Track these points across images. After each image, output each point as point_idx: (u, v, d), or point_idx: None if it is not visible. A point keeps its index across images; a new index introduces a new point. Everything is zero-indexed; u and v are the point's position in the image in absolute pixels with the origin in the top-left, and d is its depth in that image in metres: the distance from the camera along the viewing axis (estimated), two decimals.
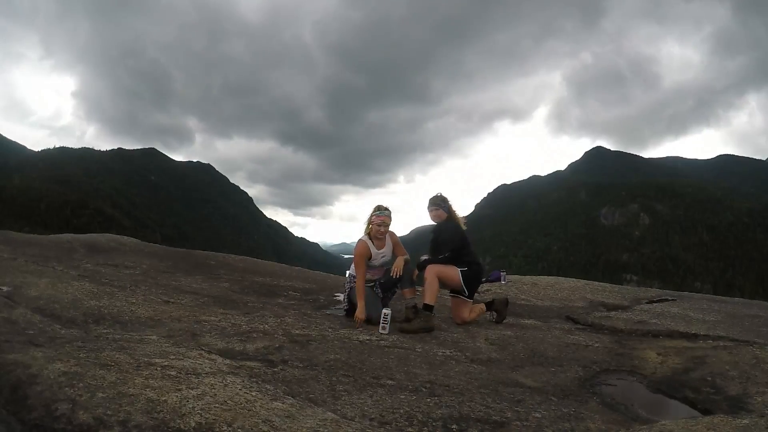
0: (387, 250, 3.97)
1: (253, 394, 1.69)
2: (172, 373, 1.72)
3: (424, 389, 2.24)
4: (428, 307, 3.79)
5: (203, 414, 1.40)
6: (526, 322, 4.58)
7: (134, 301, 3.52)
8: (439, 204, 4.13)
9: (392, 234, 3.99)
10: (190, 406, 1.44)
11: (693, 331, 3.95)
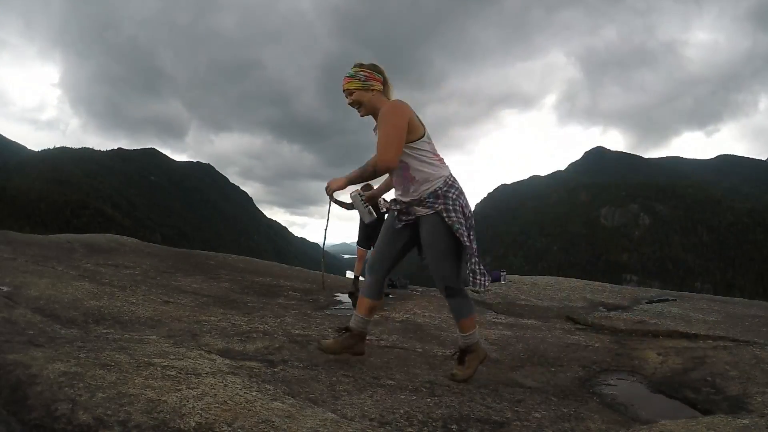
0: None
1: (253, 394, 1.69)
2: (172, 373, 1.72)
3: (424, 389, 2.24)
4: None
5: (203, 414, 1.40)
6: (526, 322, 4.58)
7: (134, 301, 3.52)
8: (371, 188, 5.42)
9: (384, 105, 2.38)
10: (190, 406, 1.44)
11: (693, 331, 3.95)
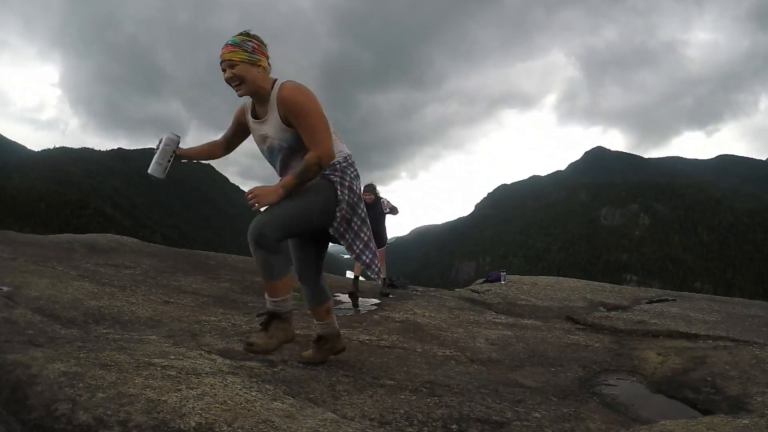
0: (272, 125, 2.11)
1: (253, 394, 1.69)
2: (172, 373, 1.72)
3: (424, 389, 2.24)
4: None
5: (203, 414, 1.40)
6: (526, 322, 4.58)
7: (134, 301, 3.52)
8: (372, 189, 6.16)
9: (287, 90, 2.04)
10: (190, 406, 1.44)
11: (693, 331, 3.95)
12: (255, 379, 1.95)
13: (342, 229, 2.16)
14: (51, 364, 1.62)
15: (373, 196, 6.11)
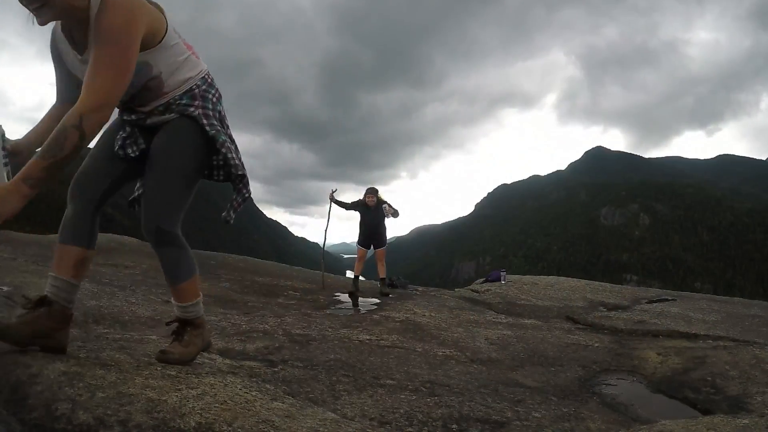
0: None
1: (253, 393, 1.69)
2: (172, 372, 1.72)
3: (424, 389, 2.24)
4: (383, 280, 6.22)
5: (203, 414, 1.40)
6: (526, 322, 4.58)
7: (134, 301, 3.52)
8: (375, 193, 6.24)
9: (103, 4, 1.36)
10: (190, 405, 1.44)
11: (693, 331, 3.95)
12: (255, 379, 1.95)
13: (233, 169, 1.71)
14: (51, 363, 1.62)
15: (375, 199, 6.12)
